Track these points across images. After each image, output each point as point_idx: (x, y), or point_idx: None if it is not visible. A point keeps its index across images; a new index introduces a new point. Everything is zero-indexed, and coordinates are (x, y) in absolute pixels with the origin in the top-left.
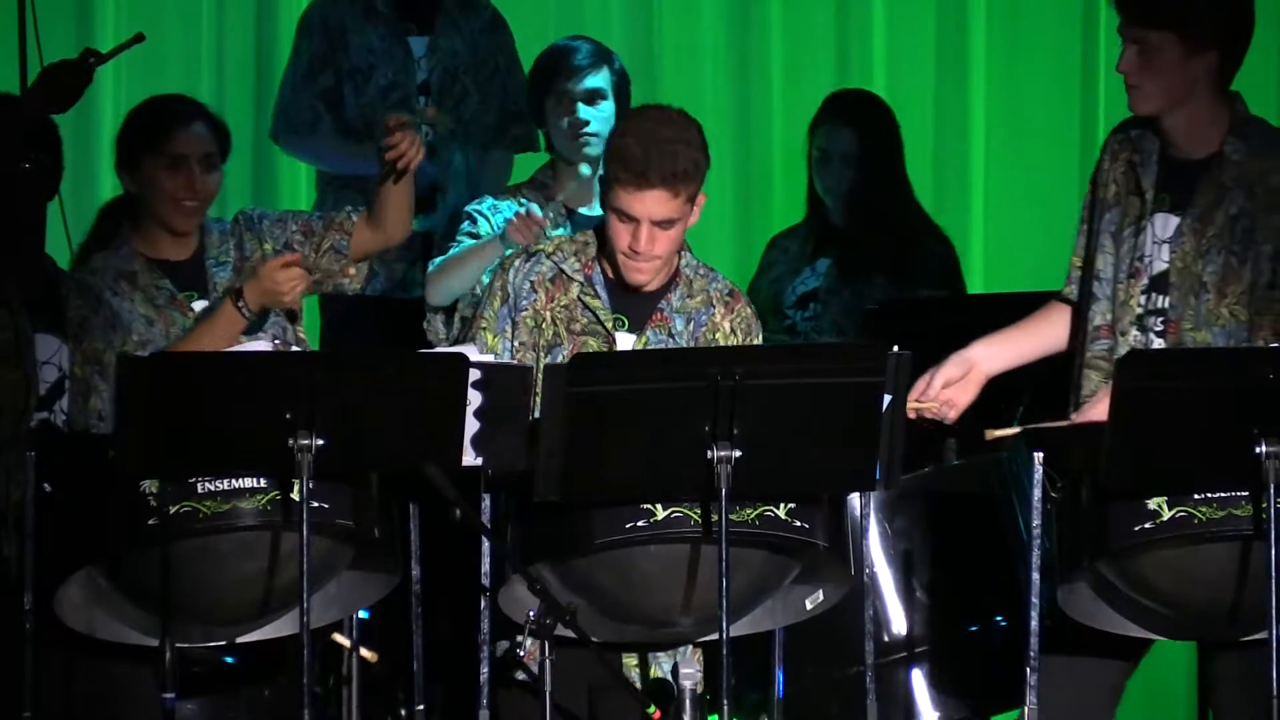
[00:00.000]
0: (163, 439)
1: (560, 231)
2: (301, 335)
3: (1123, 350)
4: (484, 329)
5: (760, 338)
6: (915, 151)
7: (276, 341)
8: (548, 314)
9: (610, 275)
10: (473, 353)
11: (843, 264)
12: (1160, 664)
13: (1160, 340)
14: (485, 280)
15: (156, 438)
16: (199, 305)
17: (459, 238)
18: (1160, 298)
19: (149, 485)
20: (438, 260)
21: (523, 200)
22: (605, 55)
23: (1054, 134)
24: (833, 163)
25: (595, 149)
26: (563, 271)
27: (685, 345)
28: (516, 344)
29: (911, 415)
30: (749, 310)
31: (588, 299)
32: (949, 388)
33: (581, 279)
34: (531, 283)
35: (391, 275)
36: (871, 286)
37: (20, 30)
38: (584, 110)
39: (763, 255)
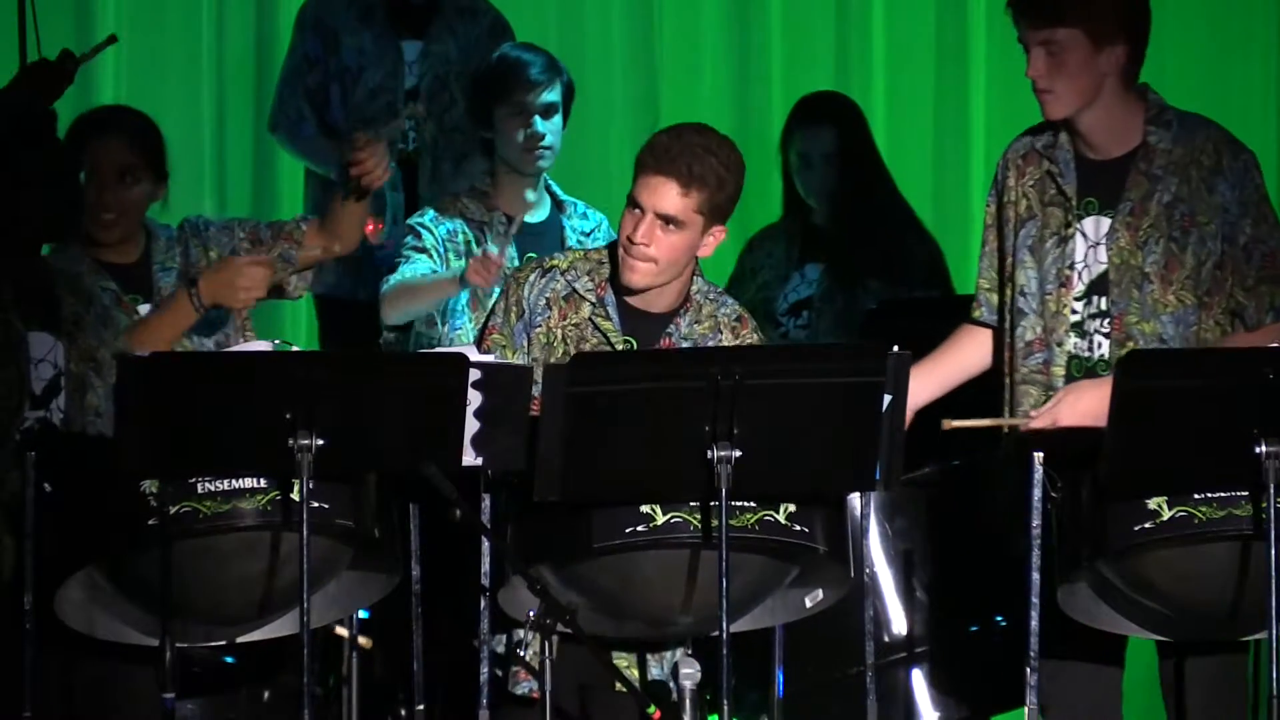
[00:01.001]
0: (163, 439)
1: (510, 249)
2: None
3: (1060, 360)
4: (503, 346)
5: None
6: (915, 151)
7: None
8: (559, 331)
9: (623, 296)
10: (473, 353)
11: (834, 270)
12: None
13: (1106, 340)
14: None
15: (156, 438)
16: (144, 309)
17: (405, 252)
18: (1100, 299)
19: (149, 485)
20: (392, 280)
21: (466, 210)
22: (558, 68)
23: None
24: (814, 165)
25: (547, 162)
26: (575, 291)
27: None
28: (530, 360)
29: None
30: (755, 337)
31: (599, 320)
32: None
33: (594, 299)
34: (546, 299)
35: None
36: (865, 292)
37: (20, 30)
38: (540, 124)
39: (741, 258)
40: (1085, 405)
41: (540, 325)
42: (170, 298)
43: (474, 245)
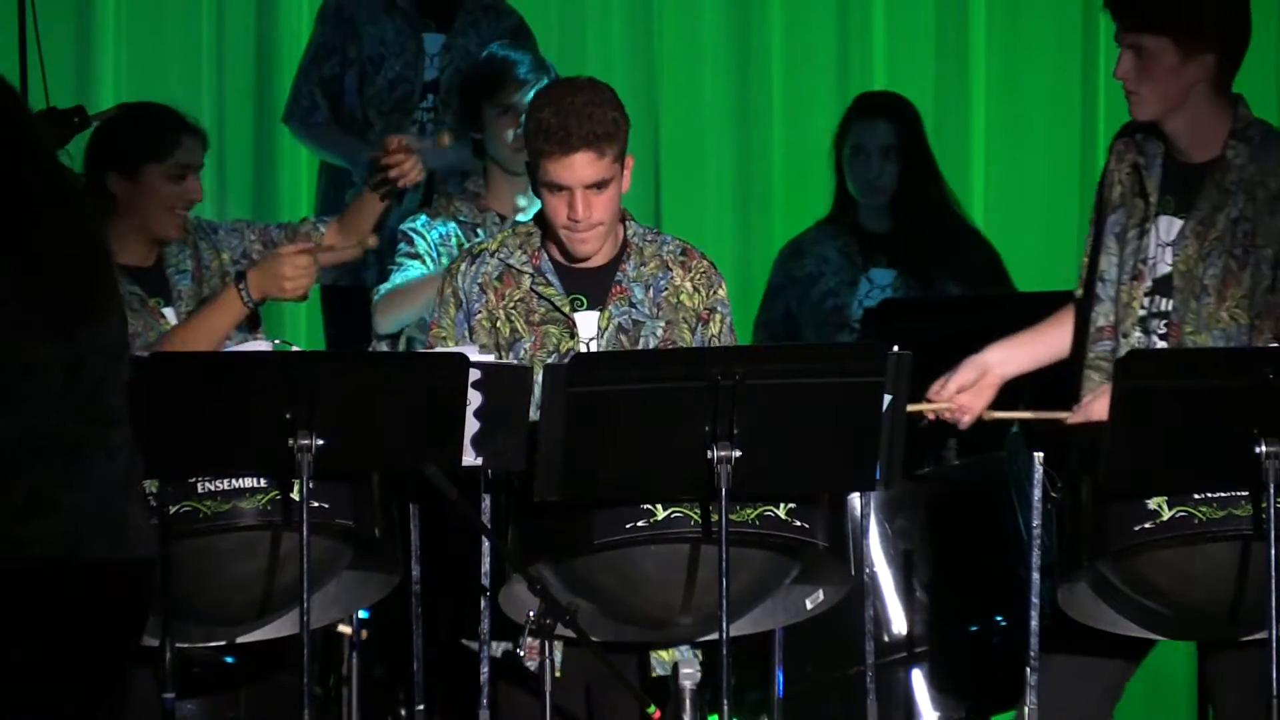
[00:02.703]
0: (163, 439)
1: None
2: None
3: (1124, 351)
4: (444, 339)
5: (724, 287)
6: None
7: (277, 341)
8: (501, 311)
9: (560, 259)
10: (473, 353)
11: (909, 273)
12: (1160, 664)
13: (1162, 342)
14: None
15: (156, 437)
16: (168, 312)
17: (398, 259)
18: (1163, 300)
19: (149, 485)
20: (385, 288)
21: (459, 213)
22: (545, 66)
23: (1054, 134)
24: (870, 157)
25: None
26: (510, 266)
27: (647, 313)
28: (478, 347)
29: (927, 415)
30: (705, 262)
31: (540, 289)
32: (964, 392)
33: (531, 270)
34: (480, 285)
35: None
36: (944, 294)
37: (20, 30)
38: None
39: (786, 264)
40: None
41: (479, 311)
42: (218, 295)
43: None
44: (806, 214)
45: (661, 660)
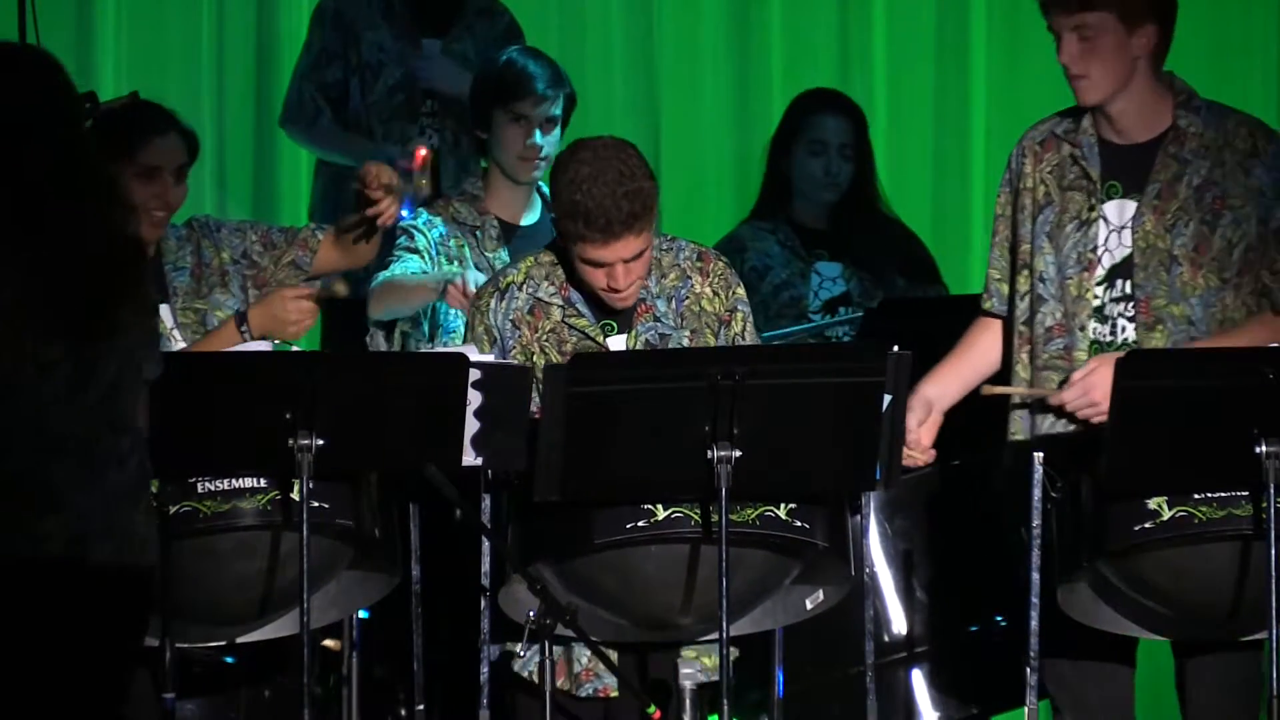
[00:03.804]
0: (163, 439)
1: (501, 254)
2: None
3: (1082, 345)
4: None
5: (740, 286)
6: (915, 151)
7: (277, 342)
8: (535, 345)
9: (585, 291)
10: (473, 353)
11: (855, 266)
12: (1161, 663)
13: (1131, 325)
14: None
15: (156, 438)
16: (163, 308)
17: (396, 251)
18: (1124, 283)
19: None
20: (381, 277)
21: (458, 214)
22: (563, 81)
23: None
24: (830, 153)
25: (540, 173)
26: (540, 300)
27: (673, 324)
28: (491, 359)
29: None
30: (721, 264)
31: (572, 320)
32: (922, 426)
33: (560, 302)
34: (512, 321)
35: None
36: (892, 287)
37: (20, 30)
38: (539, 136)
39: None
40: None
41: (514, 346)
42: (219, 328)
43: (466, 250)
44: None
45: (701, 665)
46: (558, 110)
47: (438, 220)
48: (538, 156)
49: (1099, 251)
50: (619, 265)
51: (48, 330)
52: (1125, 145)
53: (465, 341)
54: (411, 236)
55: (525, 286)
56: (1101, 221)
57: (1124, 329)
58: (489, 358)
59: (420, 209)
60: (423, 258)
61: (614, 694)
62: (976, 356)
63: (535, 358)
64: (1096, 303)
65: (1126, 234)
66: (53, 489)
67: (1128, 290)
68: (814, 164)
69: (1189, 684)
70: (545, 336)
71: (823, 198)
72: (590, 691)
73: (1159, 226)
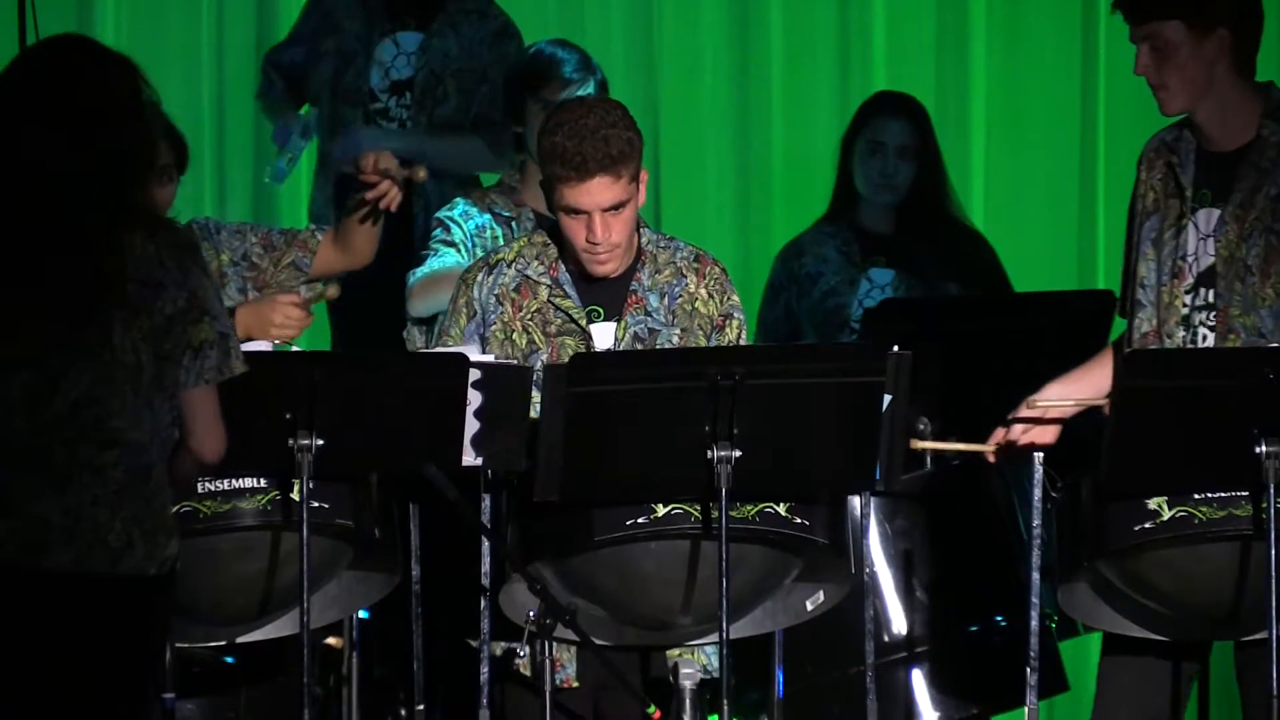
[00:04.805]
0: None
1: None
2: None
3: None
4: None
5: (735, 293)
6: None
7: (277, 342)
8: (518, 323)
9: (576, 271)
10: (473, 353)
11: (909, 273)
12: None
13: (1211, 333)
14: None
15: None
16: None
17: (433, 245)
18: (1208, 292)
19: None
20: (420, 273)
21: (494, 205)
22: (591, 66)
23: (1054, 133)
24: (887, 155)
25: None
26: (528, 278)
27: (663, 320)
28: (491, 359)
29: (988, 456)
30: (718, 269)
31: (558, 300)
32: (1029, 432)
33: (549, 281)
34: (496, 296)
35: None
36: (944, 296)
37: (20, 30)
38: None
39: (787, 262)
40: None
41: (495, 322)
42: None
43: (501, 241)
44: (806, 214)
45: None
46: (586, 95)
47: (475, 210)
48: None
49: (1189, 259)
50: (597, 215)
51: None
52: (1218, 153)
53: (448, 314)
54: (448, 229)
55: (515, 264)
56: (1192, 229)
57: (1205, 337)
58: (489, 357)
59: (458, 200)
60: (459, 250)
61: (575, 684)
62: (1104, 372)
63: (515, 336)
64: (1185, 310)
65: (1211, 243)
66: (9, 495)
67: (1210, 299)
68: (871, 166)
69: (1246, 677)
70: (530, 315)
71: (881, 200)
72: (558, 682)
73: (1238, 236)
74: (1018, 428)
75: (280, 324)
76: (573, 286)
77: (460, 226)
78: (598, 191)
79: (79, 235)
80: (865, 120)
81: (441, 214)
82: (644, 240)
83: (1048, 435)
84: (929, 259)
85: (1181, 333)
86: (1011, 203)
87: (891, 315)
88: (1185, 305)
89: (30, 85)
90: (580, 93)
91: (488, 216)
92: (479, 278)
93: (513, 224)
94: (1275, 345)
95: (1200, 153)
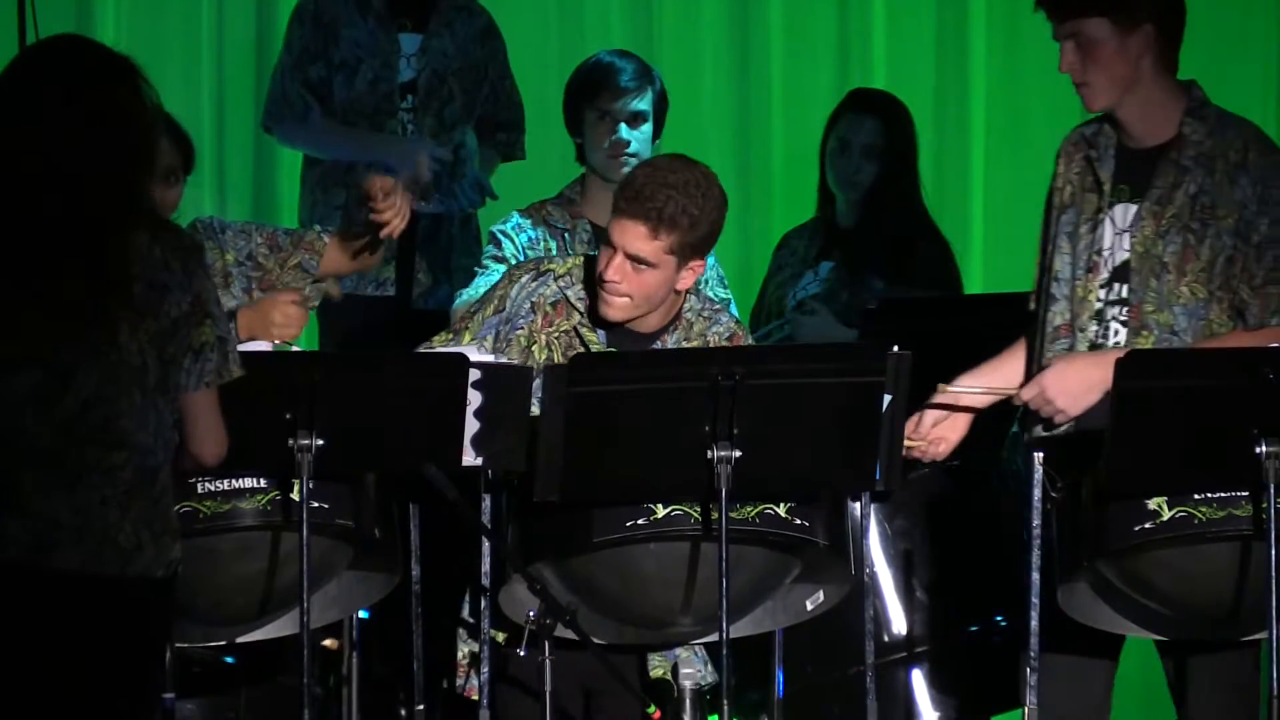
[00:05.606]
0: None
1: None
2: None
3: (1081, 347)
4: (466, 329)
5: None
6: None
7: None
8: (542, 337)
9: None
10: (473, 353)
11: (844, 267)
12: (1156, 664)
13: (1123, 328)
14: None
15: None
16: None
17: (484, 261)
18: (1121, 287)
19: None
20: (467, 293)
21: (550, 217)
22: (649, 76)
23: (1054, 133)
24: (851, 153)
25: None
26: (567, 298)
27: None
28: (505, 360)
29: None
30: (750, 342)
31: (584, 330)
32: (938, 425)
33: (583, 309)
34: (532, 303)
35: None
36: (867, 291)
37: (20, 30)
38: (626, 131)
39: (775, 254)
40: (1069, 383)
41: (522, 328)
42: None
43: (555, 253)
44: (806, 213)
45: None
46: (644, 105)
47: (526, 223)
48: (625, 151)
49: (1104, 254)
50: (619, 254)
51: (12, 342)
52: (1137, 149)
53: (479, 300)
54: (499, 244)
55: (561, 280)
56: (1108, 224)
57: (1116, 332)
58: (489, 357)
59: (513, 213)
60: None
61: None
62: (1018, 361)
63: (536, 349)
64: (1098, 305)
65: (1126, 238)
66: (19, 493)
67: (1123, 294)
68: (839, 163)
69: (1189, 685)
70: (557, 334)
71: (846, 196)
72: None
73: (1154, 233)
74: (928, 419)
75: (281, 323)
76: (603, 324)
77: (511, 240)
78: (629, 232)
79: (82, 235)
80: (838, 117)
81: (495, 227)
82: (687, 307)
83: (958, 428)
84: (866, 254)
85: (1094, 327)
86: (1011, 203)
87: (891, 315)
88: (1099, 300)
89: (31, 85)
90: (636, 103)
91: (542, 229)
92: (523, 279)
93: (566, 235)
94: (1276, 345)
95: (1120, 148)
